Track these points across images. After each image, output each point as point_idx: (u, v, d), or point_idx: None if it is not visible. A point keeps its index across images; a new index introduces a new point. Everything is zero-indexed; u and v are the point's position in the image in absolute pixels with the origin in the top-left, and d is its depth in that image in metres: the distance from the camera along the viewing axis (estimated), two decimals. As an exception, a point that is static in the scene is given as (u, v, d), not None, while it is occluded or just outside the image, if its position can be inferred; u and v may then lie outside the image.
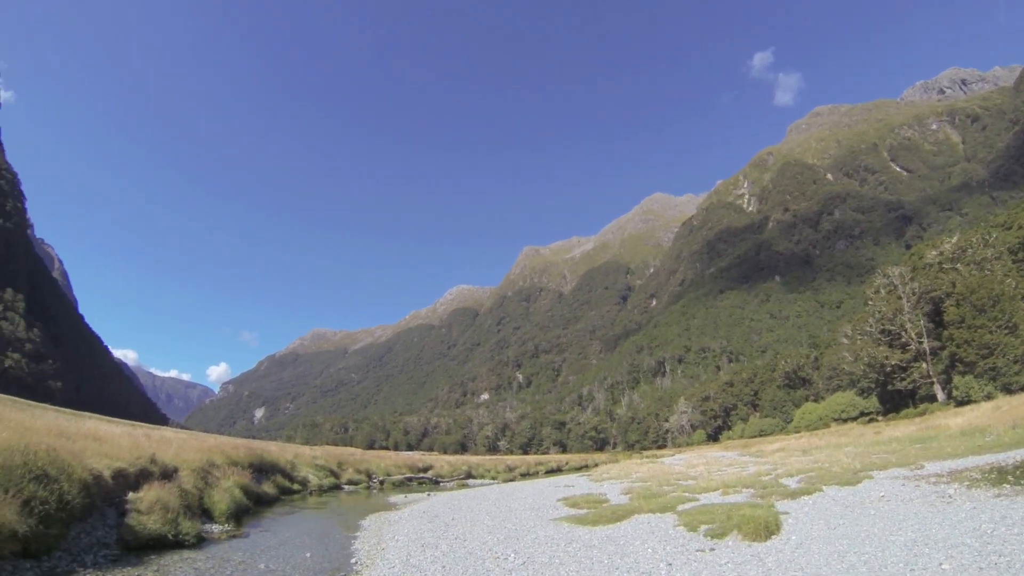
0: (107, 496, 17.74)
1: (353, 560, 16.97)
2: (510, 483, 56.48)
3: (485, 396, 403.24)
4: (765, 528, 14.86)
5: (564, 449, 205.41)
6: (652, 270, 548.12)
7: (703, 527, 16.75)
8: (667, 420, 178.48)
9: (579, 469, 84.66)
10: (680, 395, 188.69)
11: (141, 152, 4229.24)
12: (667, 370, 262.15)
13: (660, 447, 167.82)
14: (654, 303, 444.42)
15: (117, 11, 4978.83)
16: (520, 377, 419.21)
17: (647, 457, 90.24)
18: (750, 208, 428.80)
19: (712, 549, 14.45)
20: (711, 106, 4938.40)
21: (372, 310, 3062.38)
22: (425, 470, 61.85)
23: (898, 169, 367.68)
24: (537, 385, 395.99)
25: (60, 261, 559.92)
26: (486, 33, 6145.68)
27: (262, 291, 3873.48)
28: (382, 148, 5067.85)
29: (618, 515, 20.97)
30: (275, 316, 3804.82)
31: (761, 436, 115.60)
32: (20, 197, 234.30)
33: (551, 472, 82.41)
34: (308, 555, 17.62)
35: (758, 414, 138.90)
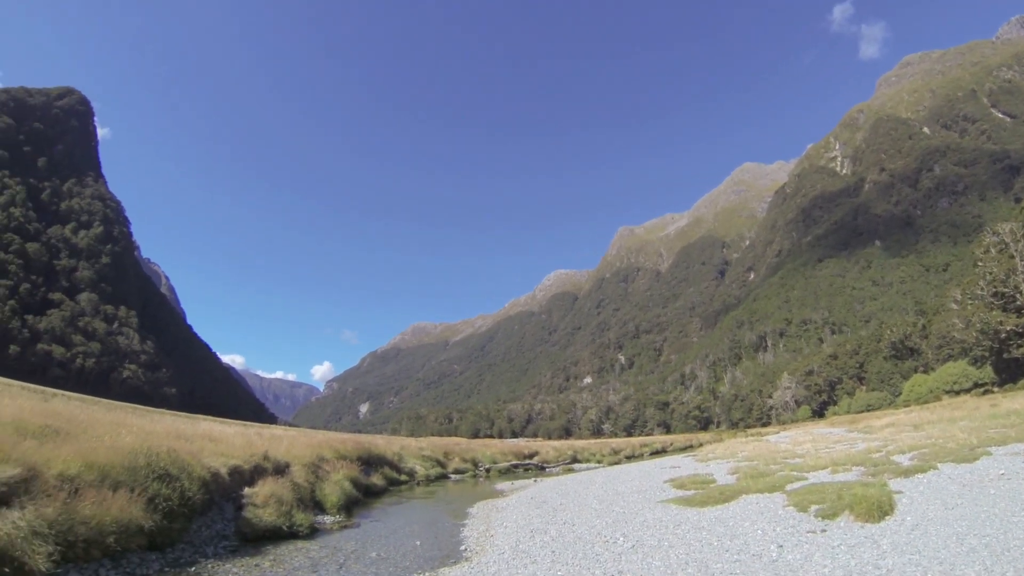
0: (224, 491, 18.59)
1: (463, 547, 17.10)
2: (616, 466, 55.88)
3: (588, 380, 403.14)
4: (878, 508, 14.15)
5: (668, 430, 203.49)
6: (748, 242, 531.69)
7: (813, 507, 16.11)
8: (771, 396, 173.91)
9: (683, 449, 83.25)
10: (783, 370, 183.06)
11: (237, 167, 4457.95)
12: (768, 344, 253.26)
13: (764, 424, 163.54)
14: (752, 276, 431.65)
15: (202, 28, 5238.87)
16: (622, 359, 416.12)
17: (751, 435, 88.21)
18: (844, 171, 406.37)
19: (823, 530, 13.88)
20: (794, 67, 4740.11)
21: (472, 301, 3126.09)
22: (530, 456, 62.11)
23: (1000, 115, 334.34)
24: (639, 366, 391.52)
25: (167, 277, 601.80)
26: (561, 18, 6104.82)
27: (362, 290, 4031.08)
28: (474, 141, 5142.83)
29: (726, 496, 20.55)
30: (375, 314, 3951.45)
31: (868, 411, 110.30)
32: (125, 223, 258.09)
33: (656, 453, 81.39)
34: (418, 543, 17.87)
35: (864, 387, 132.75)
